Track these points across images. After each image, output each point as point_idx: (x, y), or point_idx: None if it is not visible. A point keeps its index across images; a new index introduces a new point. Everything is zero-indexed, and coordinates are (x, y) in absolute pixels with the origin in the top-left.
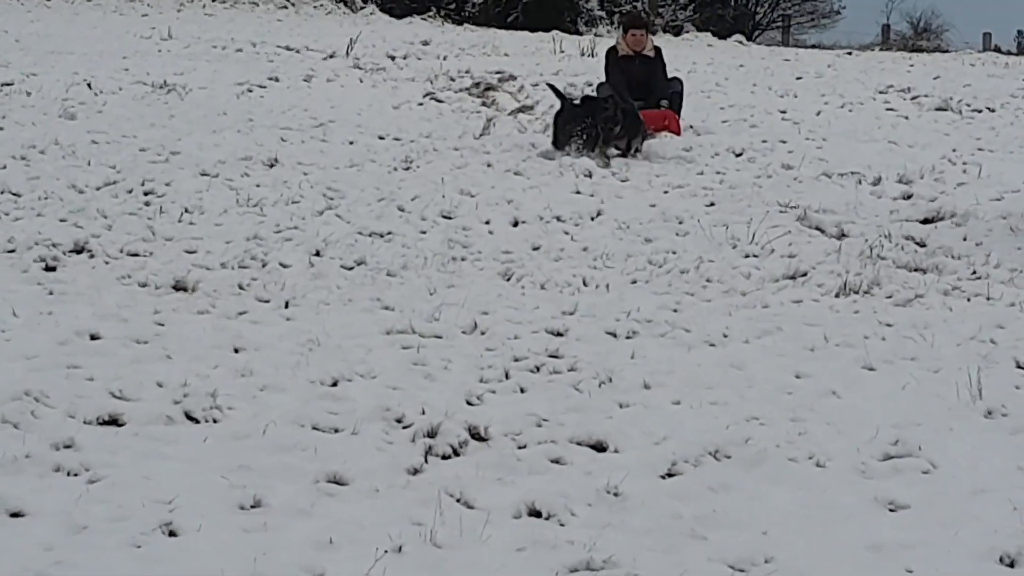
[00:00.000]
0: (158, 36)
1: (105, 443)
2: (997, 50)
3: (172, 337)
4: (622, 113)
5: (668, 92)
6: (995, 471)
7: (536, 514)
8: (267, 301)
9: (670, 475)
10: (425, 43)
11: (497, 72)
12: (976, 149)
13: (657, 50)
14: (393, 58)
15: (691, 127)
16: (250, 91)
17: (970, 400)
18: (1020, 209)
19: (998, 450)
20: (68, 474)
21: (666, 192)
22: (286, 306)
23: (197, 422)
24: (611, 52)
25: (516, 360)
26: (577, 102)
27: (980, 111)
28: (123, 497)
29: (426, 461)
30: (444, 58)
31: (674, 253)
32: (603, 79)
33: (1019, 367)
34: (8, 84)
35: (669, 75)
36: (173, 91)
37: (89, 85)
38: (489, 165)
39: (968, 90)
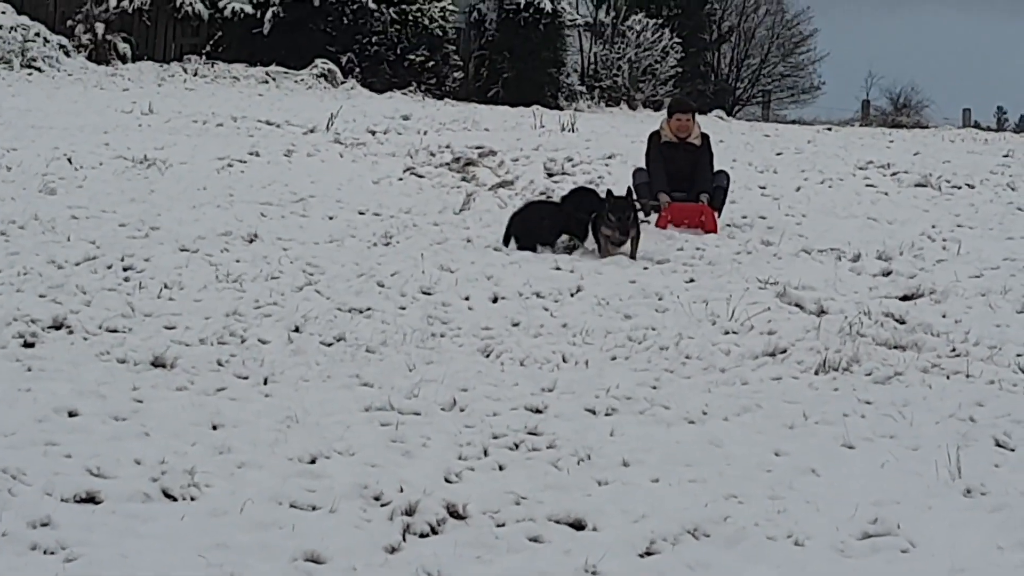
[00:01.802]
0: (139, 111)
1: (82, 521)
2: (976, 126)
3: (150, 414)
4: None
5: (711, 186)
6: (974, 550)
7: None
8: (246, 378)
9: (648, 553)
10: (405, 118)
11: (477, 147)
12: (955, 225)
13: (704, 138)
14: (373, 133)
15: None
16: (230, 166)
17: (949, 479)
18: (999, 286)
19: (977, 529)
20: (45, 552)
21: (646, 268)
22: (265, 383)
23: (175, 500)
24: (654, 137)
25: (495, 437)
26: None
27: (959, 187)
28: None
29: (404, 539)
30: (424, 133)
31: (653, 329)
32: (642, 165)
33: (998, 445)
34: None
35: (716, 167)
36: (153, 166)
37: (69, 160)
38: (469, 241)
39: (948, 166)
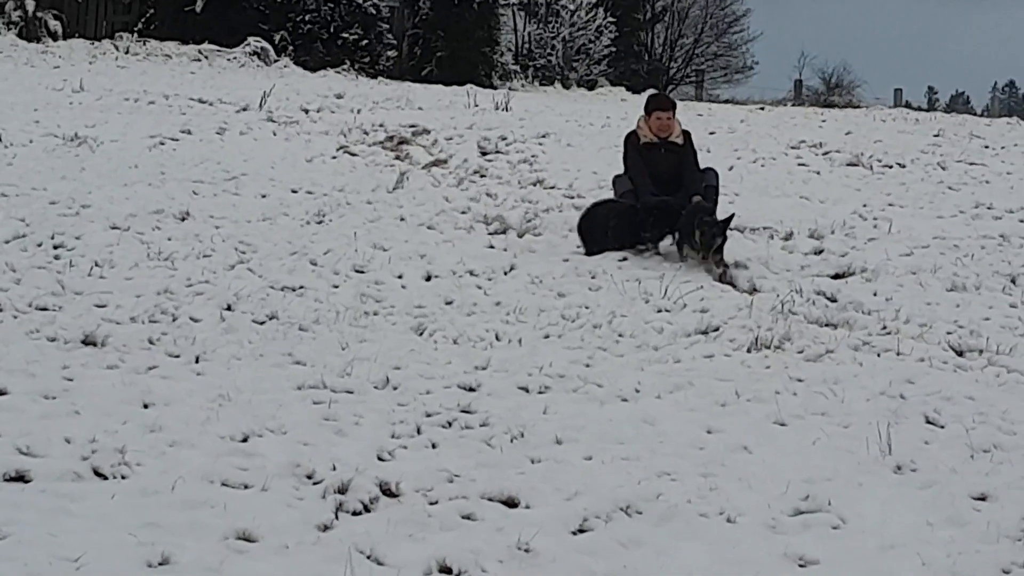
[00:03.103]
0: (70, 88)
1: (12, 500)
2: (908, 106)
3: (81, 392)
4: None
5: (702, 186)
6: (905, 526)
7: (447, 571)
8: (177, 356)
9: (581, 531)
10: (339, 96)
11: (411, 126)
12: (887, 204)
13: (686, 135)
14: (307, 111)
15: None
16: (162, 144)
17: (880, 455)
18: (929, 264)
19: (907, 505)
20: None
21: (579, 247)
22: (196, 361)
23: (105, 478)
24: (631, 138)
25: (428, 415)
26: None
27: (891, 167)
28: (30, 555)
29: (336, 517)
30: (358, 111)
31: (587, 308)
32: (620, 171)
33: (928, 422)
34: None
35: (701, 164)
36: (84, 143)
37: None
38: (402, 219)
39: (879, 146)
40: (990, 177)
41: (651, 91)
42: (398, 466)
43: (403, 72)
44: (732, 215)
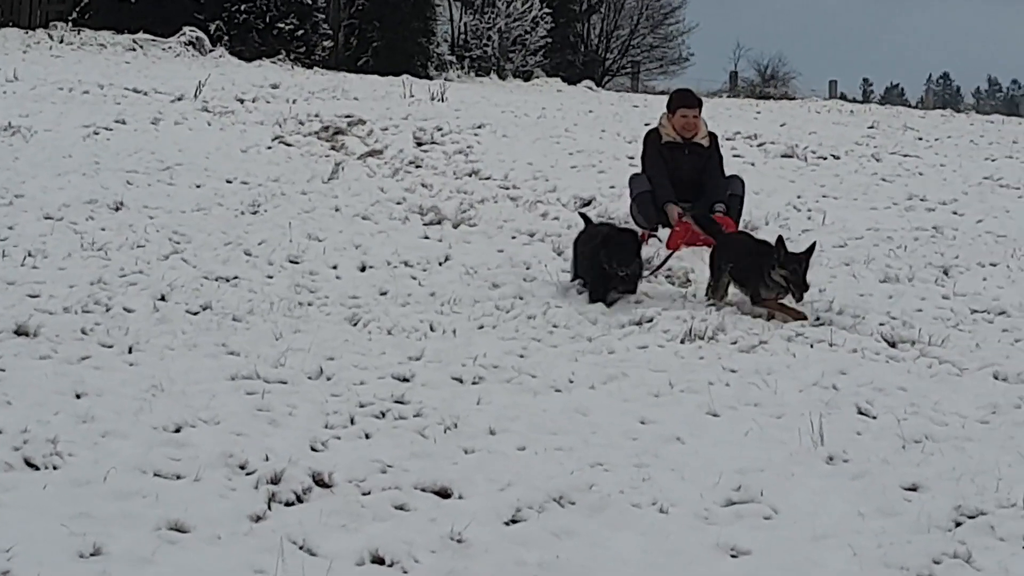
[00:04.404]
0: (3, 78)
1: None
2: (843, 97)
3: (12, 382)
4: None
5: (725, 194)
6: (836, 517)
7: (379, 561)
8: (110, 346)
9: (514, 521)
10: (275, 86)
11: (347, 116)
12: (821, 196)
13: (712, 137)
14: (242, 101)
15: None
16: (96, 133)
17: (812, 446)
18: (863, 256)
19: (839, 496)
20: None
21: (514, 238)
22: (130, 351)
23: (37, 469)
24: (651, 136)
25: (362, 406)
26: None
27: (825, 158)
28: None
29: (269, 508)
30: (293, 102)
31: (521, 299)
32: (639, 170)
33: (860, 413)
34: None
35: (726, 171)
36: (18, 133)
37: None
38: (337, 210)
39: (814, 137)
40: (924, 169)
41: (679, 88)
42: (331, 456)
43: (339, 62)
44: (814, 243)
